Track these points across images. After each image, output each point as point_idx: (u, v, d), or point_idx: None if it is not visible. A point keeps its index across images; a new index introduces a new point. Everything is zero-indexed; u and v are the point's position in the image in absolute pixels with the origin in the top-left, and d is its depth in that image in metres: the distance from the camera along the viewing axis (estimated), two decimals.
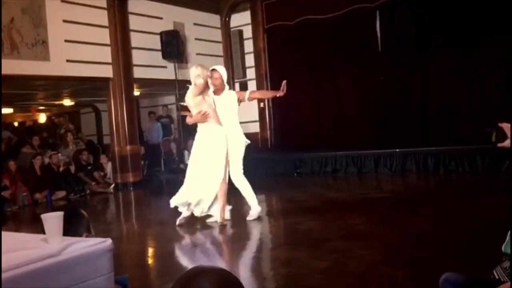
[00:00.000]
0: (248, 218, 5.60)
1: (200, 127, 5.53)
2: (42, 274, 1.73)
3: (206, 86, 5.48)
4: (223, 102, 5.59)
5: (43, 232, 1.91)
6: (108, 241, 1.91)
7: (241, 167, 5.61)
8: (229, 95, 5.68)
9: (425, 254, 3.80)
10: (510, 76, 8.81)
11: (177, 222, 5.58)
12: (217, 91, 5.64)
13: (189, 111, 5.62)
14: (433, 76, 9.66)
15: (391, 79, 10.02)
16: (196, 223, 5.65)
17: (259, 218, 5.63)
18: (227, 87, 5.74)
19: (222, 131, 5.44)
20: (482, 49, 9.10)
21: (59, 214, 1.89)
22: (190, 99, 5.46)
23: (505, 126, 2.04)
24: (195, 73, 5.43)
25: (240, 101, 5.72)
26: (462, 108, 9.40)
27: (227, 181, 5.55)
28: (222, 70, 5.70)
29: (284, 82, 5.55)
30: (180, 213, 5.64)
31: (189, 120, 5.62)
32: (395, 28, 9.99)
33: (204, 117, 5.38)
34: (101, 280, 1.89)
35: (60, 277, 1.78)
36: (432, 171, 8.54)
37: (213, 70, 5.63)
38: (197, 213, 5.59)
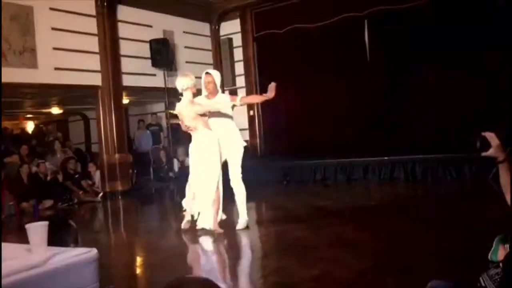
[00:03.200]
0: (237, 228, 5.54)
1: (193, 135, 5.53)
2: (27, 284, 1.70)
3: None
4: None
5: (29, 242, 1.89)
6: (93, 251, 1.89)
7: (240, 170, 5.53)
8: (222, 99, 5.64)
9: (414, 261, 3.82)
10: (497, 86, 8.93)
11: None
12: (210, 96, 5.61)
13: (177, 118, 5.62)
14: (421, 84, 9.74)
15: (379, 87, 10.09)
16: (186, 232, 5.61)
17: (247, 227, 5.57)
18: (219, 91, 5.72)
19: (213, 136, 5.41)
20: (470, 59, 9.20)
21: (44, 224, 1.87)
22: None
23: (489, 135, 2.06)
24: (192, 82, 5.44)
25: (233, 105, 5.68)
26: (450, 116, 9.48)
27: (221, 188, 5.48)
28: (214, 74, 5.70)
29: (273, 84, 5.47)
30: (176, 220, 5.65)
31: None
32: (383, 37, 10.08)
33: (189, 129, 5.40)
34: None
35: (45, 287, 1.76)
36: (420, 178, 8.60)
37: (207, 73, 5.62)
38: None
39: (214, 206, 5.38)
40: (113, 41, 9.68)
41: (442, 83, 9.53)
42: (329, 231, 5.12)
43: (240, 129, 11.44)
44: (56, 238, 2.08)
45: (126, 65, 9.97)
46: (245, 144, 5.68)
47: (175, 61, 10.85)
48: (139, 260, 5.05)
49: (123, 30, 9.95)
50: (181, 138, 9.46)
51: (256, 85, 11.72)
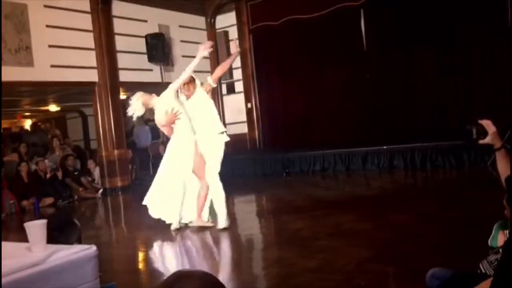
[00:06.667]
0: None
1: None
2: (26, 283, 1.71)
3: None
4: (194, 104, 5.57)
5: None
6: (93, 248, 1.89)
7: (217, 168, 5.47)
8: (199, 96, 5.61)
9: (413, 249, 3.83)
10: (497, 73, 8.91)
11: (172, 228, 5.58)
12: (189, 96, 5.63)
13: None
14: (419, 73, 9.72)
15: (377, 76, 10.07)
16: (186, 226, 5.63)
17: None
18: (197, 87, 5.64)
19: (189, 138, 5.50)
20: (466, 47, 9.17)
21: (42, 222, 1.87)
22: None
23: (485, 122, 2.06)
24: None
25: (209, 91, 5.64)
26: (447, 104, 9.47)
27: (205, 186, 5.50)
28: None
29: (233, 42, 5.70)
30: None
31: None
32: (379, 26, 10.03)
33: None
34: (87, 286, 1.88)
35: (45, 285, 1.76)
36: (419, 167, 8.60)
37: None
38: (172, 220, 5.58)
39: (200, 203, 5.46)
40: (109, 37, 9.63)
41: (440, 70, 9.50)
42: (329, 221, 5.14)
43: (239, 122, 11.61)
44: (60, 236, 2.09)
45: (122, 60, 9.93)
46: (227, 139, 5.58)
47: (171, 56, 10.82)
48: (140, 255, 5.06)
49: (119, 26, 9.91)
50: None
51: (253, 78, 11.70)
